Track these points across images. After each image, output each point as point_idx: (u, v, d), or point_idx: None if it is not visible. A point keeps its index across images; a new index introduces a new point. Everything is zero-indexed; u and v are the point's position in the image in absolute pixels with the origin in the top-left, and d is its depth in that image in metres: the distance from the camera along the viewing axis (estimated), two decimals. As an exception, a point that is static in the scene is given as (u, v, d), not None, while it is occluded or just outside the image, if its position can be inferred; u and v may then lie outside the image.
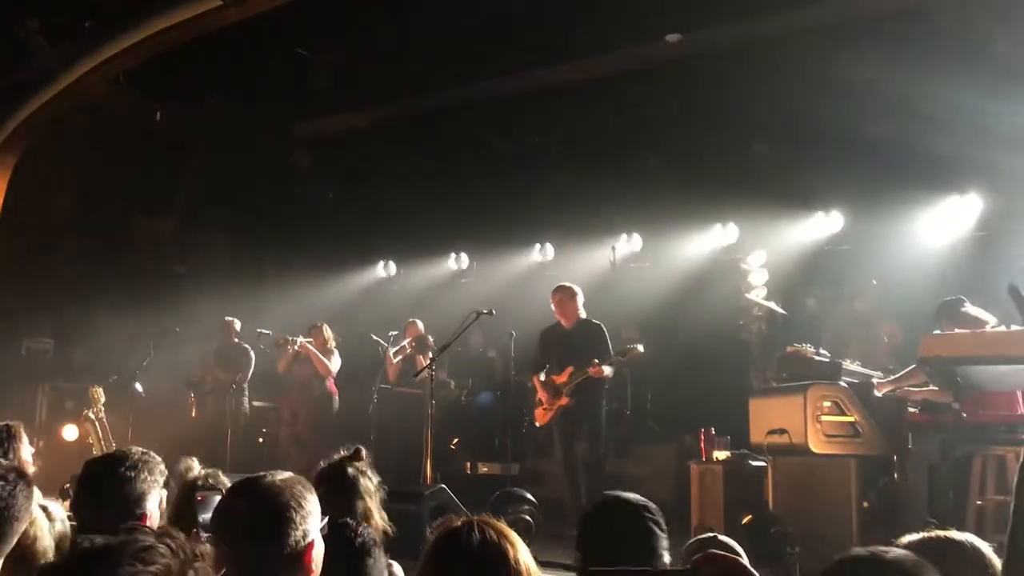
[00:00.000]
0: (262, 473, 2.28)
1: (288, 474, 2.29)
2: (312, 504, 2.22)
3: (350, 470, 3.31)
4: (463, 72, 10.20)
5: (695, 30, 9.26)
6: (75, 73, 8.51)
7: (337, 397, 9.78)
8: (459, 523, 2.04)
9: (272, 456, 9.89)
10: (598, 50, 9.69)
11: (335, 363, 9.75)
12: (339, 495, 3.19)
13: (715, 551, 1.36)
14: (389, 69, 10.36)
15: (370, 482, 3.31)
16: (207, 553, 2.02)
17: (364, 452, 3.38)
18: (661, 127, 10.09)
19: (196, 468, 3.24)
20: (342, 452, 3.41)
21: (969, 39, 8.19)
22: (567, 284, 8.21)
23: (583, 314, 8.04)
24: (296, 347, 9.56)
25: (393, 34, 9.51)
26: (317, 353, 9.59)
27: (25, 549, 2.74)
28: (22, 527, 2.35)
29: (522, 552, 2.00)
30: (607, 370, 7.69)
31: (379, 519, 3.21)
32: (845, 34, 8.75)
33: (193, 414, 9.73)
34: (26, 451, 3.91)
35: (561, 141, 11.22)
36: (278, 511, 2.14)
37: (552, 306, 8.14)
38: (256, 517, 2.15)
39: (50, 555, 2.76)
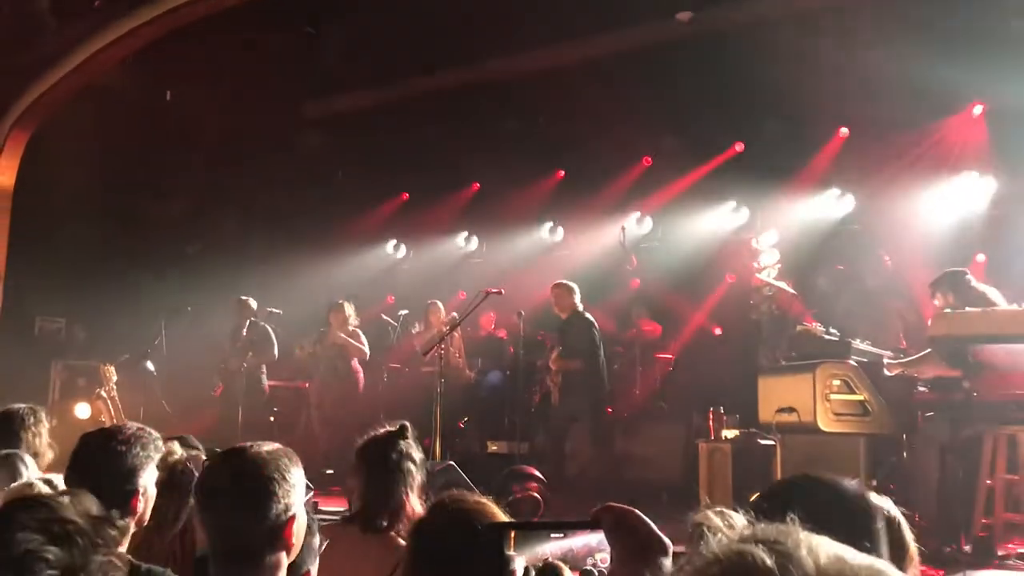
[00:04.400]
0: (248, 444, 2.24)
1: (275, 445, 2.25)
2: (296, 477, 2.19)
3: (395, 450, 3.17)
4: (471, 50, 10.17)
5: (706, 8, 9.20)
6: (85, 53, 8.52)
7: (362, 375, 9.80)
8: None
9: (284, 437, 9.92)
10: (607, 28, 9.64)
11: (365, 343, 9.74)
12: (380, 476, 3.11)
13: (612, 503, 1.41)
14: (397, 47, 10.33)
15: (413, 464, 3.18)
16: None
17: (409, 428, 3.23)
18: (671, 106, 10.04)
19: (178, 451, 3.23)
20: (387, 427, 3.26)
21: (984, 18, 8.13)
22: (563, 281, 8.68)
23: (580, 307, 8.47)
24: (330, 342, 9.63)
25: (401, 11, 9.47)
26: (351, 341, 9.60)
27: None
28: None
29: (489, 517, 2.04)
30: (555, 365, 8.44)
31: (411, 508, 3.09)
32: (857, 13, 8.69)
33: (217, 392, 9.74)
34: (45, 437, 3.97)
35: (568, 120, 11.18)
36: (261, 483, 2.11)
37: (552, 300, 8.62)
38: (238, 488, 2.13)
39: None
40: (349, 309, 9.76)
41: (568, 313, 8.45)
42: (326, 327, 9.80)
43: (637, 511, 1.40)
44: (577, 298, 8.47)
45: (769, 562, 0.82)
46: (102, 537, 1.16)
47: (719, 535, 0.94)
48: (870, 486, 5.65)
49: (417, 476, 3.18)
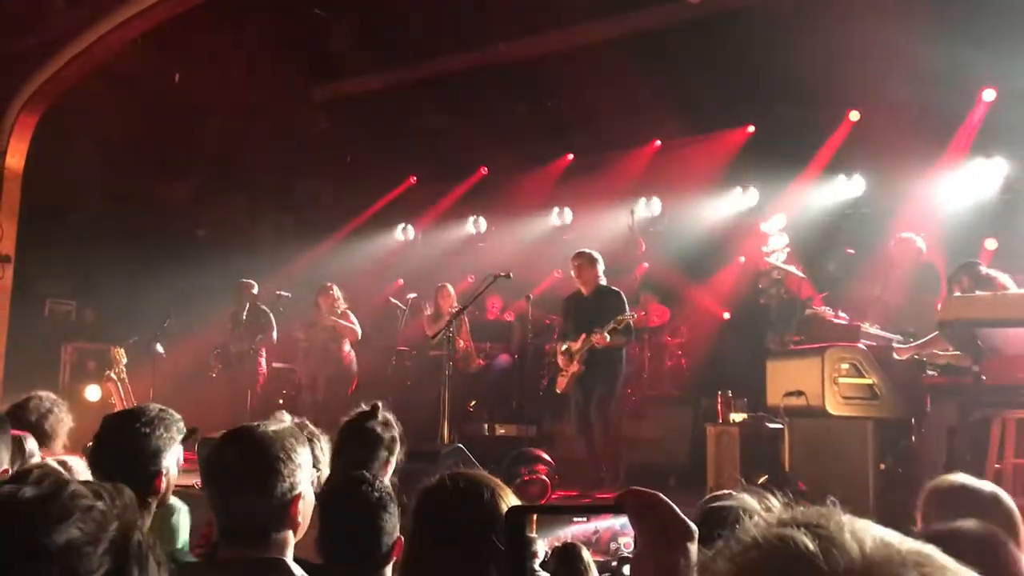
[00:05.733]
0: (255, 423, 2.29)
1: (281, 425, 2.29)
2: (303, 457, 2.23)
3: (368, 426, 3.34)
4: (480, 33, 10.13)
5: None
6: (94, 35, 8.51)
7: (354, 359, 9.80)
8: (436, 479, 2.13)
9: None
10: (616, 10, 9.59)
11: (356, 324, 9.73)
12: (358, 450, 3.24)
13: (637, 487, 1.40)
14: (406, 30, 10.30)
15: (387, 440, 3.34)
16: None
17: (381, 407, 3.40)
18: (680, 88, 9.99)
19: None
20: (363, 406, 3.43)
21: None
22: (587, 250, 8.11)
23: (603, 281, 7.98)
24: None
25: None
26: (341, 322, 9.60)
27: None
28: None
29: (498, 495, 2.05)
30: (606, 338, 7.55)
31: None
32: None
33: (214, 375, 9.76)
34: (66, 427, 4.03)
35: (577, 103, 11.14)
36: (267, 461, 2.15)
37: (572, 272, 8.09)
38: (245, 466, 2.17)
39: None
40: (337, 292, 9.73)
41: (591, 288, 7.91)
42: (316, 311, 9.80)
43: (661, 495, 1.40)
44: (601, 268, 7.95)
45: (812, 546, 0.79)
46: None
47: (756, 518, 0.91)
48: (878, 470, 5.67)
49: (384, 451, 3.31)
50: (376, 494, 2.58)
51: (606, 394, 7.77)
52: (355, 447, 3.28)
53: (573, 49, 10.23)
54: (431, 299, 10.06)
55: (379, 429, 3.32)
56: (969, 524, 2.00)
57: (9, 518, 1.12)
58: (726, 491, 2.39)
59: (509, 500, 2.05)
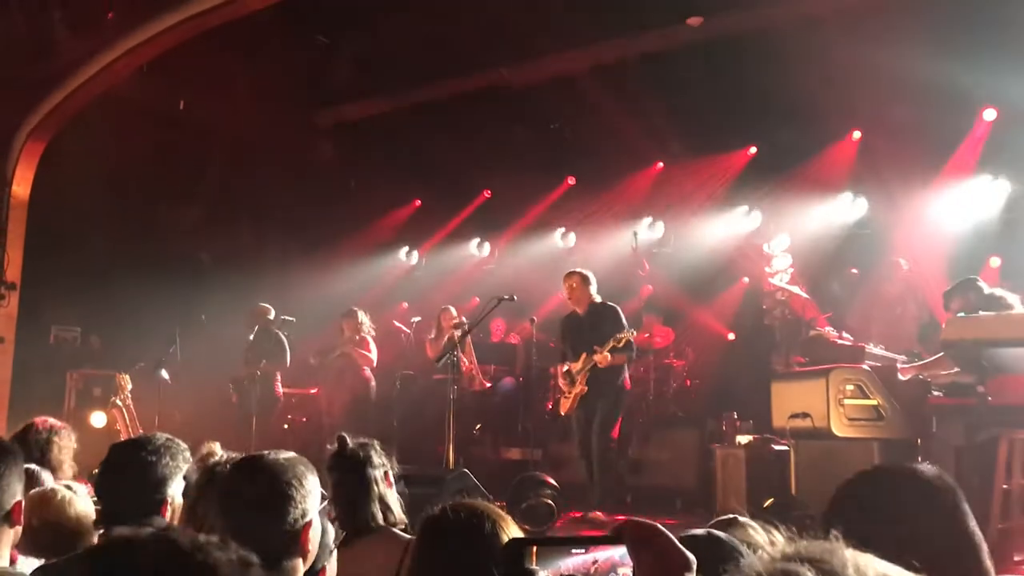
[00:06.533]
0: (266, 451, 2.31)
1: (290, 454, 2.31)
2: (312, 484, 2.25)
3: (345, 455, 3.29)
4: (483, 58, 10.19)
5: (716, 13, 9.19)
6: (99, 64, 8.58)
7: (374, 384, 9.76)
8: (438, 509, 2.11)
9: (297, 442, 9.94)
10: (618, 34, 9.64)
11: (373, 351, 9.73)
12: (346, 478, 3.24)
13: (635, 518, 1.40)
14: (409, 55, 10.36)
15: (370, 458, 3.29)
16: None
17: (348, 441, 3.31)
18: (682, 111, 10.05)
19: (218, 452, 3.26)
20: (328, 447, 3.38)
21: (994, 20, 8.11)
22: (578, 270, 8.08)
23: (597, 298, 7.90)
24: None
25: (413, 21, 9.50)
26: (357, 350, 9.60)
27: (56, 523, 2.84)
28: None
29: (499, 527, 2.05)
30: (608, 356, 7.47)
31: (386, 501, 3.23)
32: (869, 17, 8.68)
33: (235, 400, 9.75)
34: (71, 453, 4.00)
35: (579, 126, 11.20)
36: (279, 488, 2.17)
37: (565, 293, 8.04)
38: (258, 493, 2.19)
39: (86, 521, 2.93)
40: (363, 316, 9.74)
41: (585, 305, 7.87)
42: (339, 335, 9.81)
43: (659, 526, 1.40)
44: (594, 288, 7.89)
45: None
46: None
47: (760, 552, 0.90)
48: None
49: (377, 473, 3.27)
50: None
51: (609, 414, 7.69)
52: (343, 477, 3.24)
53: (575, 72, 10.29)
54: (435, 322, 10.07)
55: (360, 452, 3.30)
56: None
57: None
58: (731, 515, 2.38)
59: (510, 531, 2.05)
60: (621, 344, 7.53)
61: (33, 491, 3.13)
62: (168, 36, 8.15)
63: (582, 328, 7.87)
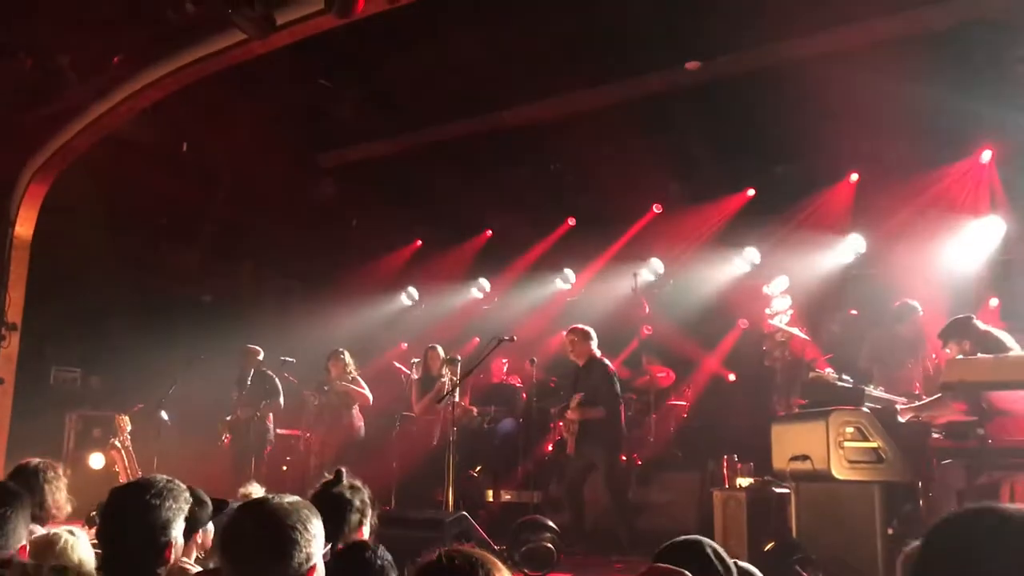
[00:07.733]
0: (270, 495, 2.33)
1: (295, 498, 2.34)
2: (317, 528, 2.27)
3: (335, 492, 3.30)
4: (483, 100, 10.29)
5: (715, 56, 9.29)
6: (104, 107, 8.66)
7: (363, 425, 9.77)
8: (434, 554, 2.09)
9: (297, 484, 9.88)
10: (617, 77, 9.74)
11: (367, 389, 9.73)
12: (328, 516, 3.23)
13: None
14: (411, 97, 10.47)
15: (357, 504, 3.29)
16: None
17: (345, 474, 3.35)
18: (681, 153, 10.13)
19: (258, 493, 3.27)
20: (325, 476, 3.41)
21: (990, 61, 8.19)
22: (580, 326, 8.42)
23: (597, 353, 8.27)
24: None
25: (413, 63, 9.61)
26: (354, 388, 9.61)
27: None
28: None
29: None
30: (576, 413, 8.04)
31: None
32: (865, 58, 8.77)
33: (226, 442, 9.72)
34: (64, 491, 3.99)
35: (579, 168, 11.28)
36: (284, 532, 2.19)
37: (567, 347, 8.39)
38: (263, 537, 2.20)
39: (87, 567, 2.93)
40: (347, 357, 9.77)
41: (584, 359, 8.25)
42: (325, 376, 9.81)
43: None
44: (594, 344, 8.26)
45: None
46: None
47: None
48: (886, 534, 5.61)
49: (356, 515, 3.26)
50: (379, 562, 2.58)
51: (610, 466, 8.02)
52: (325, 514, 3.26)
53: (574, 115, 10.38)
54: (420, 361, 10.01)
55: (347, 493, 3.30)
56: None
57: None
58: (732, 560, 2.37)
59: None
60: (580, 402, 8.05)
61: (36, 536, 3.13)
62: (173, 79, 8.22)
63: (579, 380, 8.32)
